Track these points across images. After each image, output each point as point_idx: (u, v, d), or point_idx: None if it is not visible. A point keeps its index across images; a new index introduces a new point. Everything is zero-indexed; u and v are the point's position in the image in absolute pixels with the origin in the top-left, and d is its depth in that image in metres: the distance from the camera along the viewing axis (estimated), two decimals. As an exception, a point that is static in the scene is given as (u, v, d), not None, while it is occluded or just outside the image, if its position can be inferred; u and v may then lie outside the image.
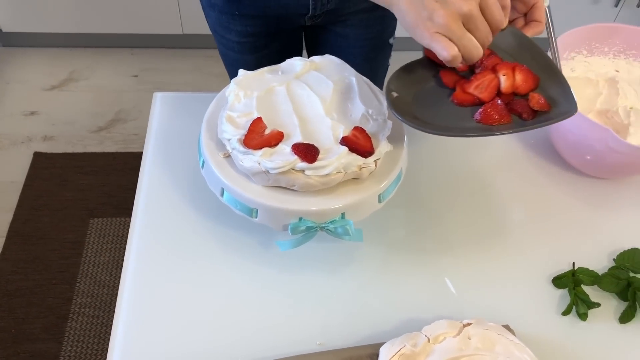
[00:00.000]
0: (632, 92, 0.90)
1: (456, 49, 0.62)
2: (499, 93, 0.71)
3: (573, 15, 2.20)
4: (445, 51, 0.62)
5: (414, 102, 0.71)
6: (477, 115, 0.69)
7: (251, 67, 0.80)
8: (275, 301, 0.75)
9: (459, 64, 0.64)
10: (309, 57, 1.22)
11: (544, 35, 0.80)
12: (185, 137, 0.89)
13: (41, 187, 1.86)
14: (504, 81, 0.71)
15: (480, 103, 0.71)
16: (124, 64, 2.28)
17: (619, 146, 0.77)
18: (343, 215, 0.70)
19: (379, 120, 0.74)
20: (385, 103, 0.75)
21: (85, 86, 2.20)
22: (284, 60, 0.83)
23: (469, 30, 0.63)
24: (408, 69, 0.74)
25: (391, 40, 1.13)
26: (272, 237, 0.79)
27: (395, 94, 0.70)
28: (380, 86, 1.22)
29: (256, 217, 0.71)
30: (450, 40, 0.62)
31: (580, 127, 0.80)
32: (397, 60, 0.70)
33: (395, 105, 0.68)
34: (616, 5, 2.19)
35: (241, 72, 0.78)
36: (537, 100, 0.69)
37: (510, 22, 0.78)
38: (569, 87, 0.69)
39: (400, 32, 1.24)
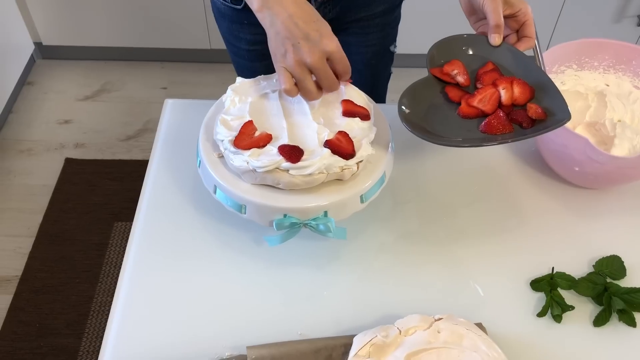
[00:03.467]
0: (620, 106, 0.93)
1: (292, 83, 0.73)
2: (500, 105, 0.79)
3: (595, 35, 2.20)
4: (283, 84, 0.74)
5: (425, 116, 0.78)
6: (482, 127, 0.77)
7: (260, 73, 0.85)
8: (264, 293, 0.79)
9: (294, 96, 0.75)
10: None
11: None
12: (190, 140, 0.95)
13: (70, 191, 1.96)
14: (504, 94, 0.78)
15: (484, 115, 0.78)
16: (153, 77, 2.38)
17: (597, 156, 0.80)
18: (326, 213, 0.75)
19: (364, 126, 0.78)
20: (372, 110, 0.81)
21: (116, 97, 2.31)
22: None
23: (316, 75, 0.73)
24: (416, 86, 0.82)
25: (392, 48, 1.18)
26: (263, 232, 0.84)
27: (407, 110, 0.78)
28: (382, 92, 1.27)
29: (245, 213, 0.76)
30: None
31: (561, 136, 0.83)
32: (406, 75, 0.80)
33: (407, 120, 0.76)
34: (639, 25, 2.18)
35: (238, 79, 0.84)
36: (534, 110, 0.76)
37: (505, 37, 0.85)
38: (562, 98, 0.76)
39: (403, 46, 1.30)
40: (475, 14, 0.85)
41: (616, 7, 2.13)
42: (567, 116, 0.74)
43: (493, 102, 0.78)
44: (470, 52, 0.85)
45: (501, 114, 0.77)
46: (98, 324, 1.64)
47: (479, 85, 0.81)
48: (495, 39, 0.83)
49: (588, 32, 2.20)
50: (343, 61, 0.74)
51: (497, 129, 0.76)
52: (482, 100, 0.79)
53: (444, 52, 0.86)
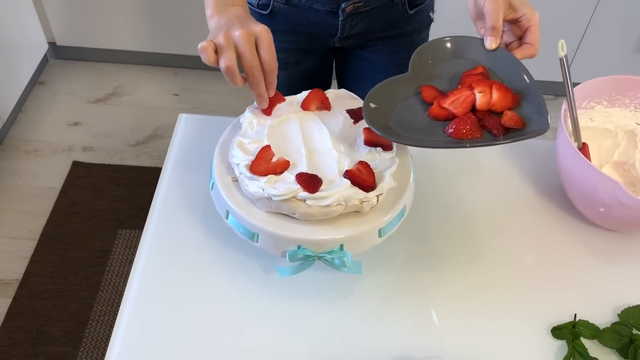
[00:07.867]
0: (651, 146, 0.89)
1: (212, 58, 0.71)
2: (474, 110, 0.74)
3: (616, 65, 2.17)
4: (204, 55, 0.71)
5: (392, 114, 0.74)
6: (448, 129, 0.72)
7: (280, 84, 0.82)
8: (272, 325, 0.76)
9: (213, 63, 0.72)
10: (337, 79, 1.24)
11: (558, 84, 0.81)
12: (203, 158, 0.92)
13: (76, 195, 1.93)
14: (480, 98, 0.73)
15: (454, 118, 0.73)
16: (166, 83, 2.36)
17: (627, 200, 0.76)
18: (342, 246, 0.72)
19: (386, 156, 0.75)
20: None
21: (127, 101, 2.28)
22: (313, 80, 0.85)
23: (239, 53, 0.71)
24: (392, 82, 0.78)
25: None
26: (274, 261, 0.80)
27: (373, 105, 0.74)
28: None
29: (257, 242, 0.73)
30: (217, 50, 0.71)
31: (590, 178, 0.79)
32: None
33: (371, 115, 0.72)
34: (660, 56, 2.15)
35: (257, 100, 0.81)
36: (510, 117, 0.71)
37: (508, 44, 0.81)
38: (545, 106, 0.71)
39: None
40: (482, 19, 0.81)
41: (638, 37, 2.10)
42: (546, 126, 0.69)
43: (466, 105, 0.73)
44: (465, 55, 0.81)
45: (470, 118, 0.72)
46: (96, 333, 1.60)
47: (458, 87, 0.76)
48: (491, 42, 0.78)
49: (609, 61, 2.17)
50: (270, 48, 0.72)
51: (462, 132, 0.71)
52: (454, 102, 0.74)
53: (436, 52, 0.81)
